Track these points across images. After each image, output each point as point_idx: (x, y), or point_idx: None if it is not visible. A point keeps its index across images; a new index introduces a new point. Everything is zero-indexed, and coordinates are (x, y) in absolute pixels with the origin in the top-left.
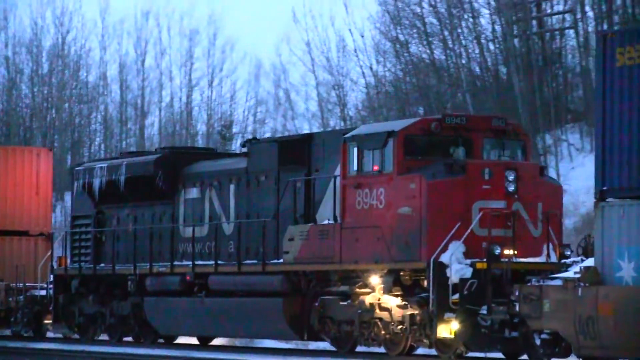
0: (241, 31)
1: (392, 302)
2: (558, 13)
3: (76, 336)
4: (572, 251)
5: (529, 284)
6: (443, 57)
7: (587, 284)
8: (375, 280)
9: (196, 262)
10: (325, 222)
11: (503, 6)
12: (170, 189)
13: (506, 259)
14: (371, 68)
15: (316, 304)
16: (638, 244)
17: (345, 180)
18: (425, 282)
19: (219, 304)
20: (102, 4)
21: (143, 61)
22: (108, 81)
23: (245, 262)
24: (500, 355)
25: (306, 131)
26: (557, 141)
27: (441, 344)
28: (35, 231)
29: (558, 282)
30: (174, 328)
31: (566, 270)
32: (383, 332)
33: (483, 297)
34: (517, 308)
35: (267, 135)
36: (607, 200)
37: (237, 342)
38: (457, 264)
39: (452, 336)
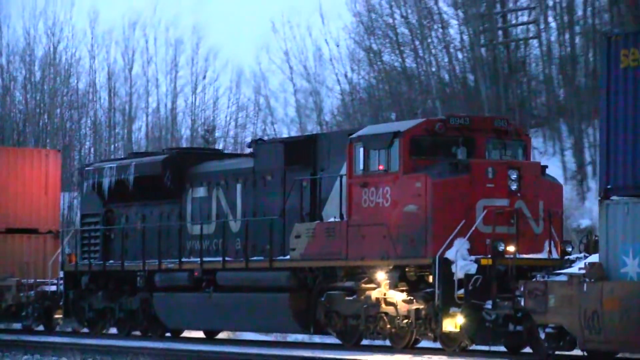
0: (223, 41)
1: (398, 297)
2: (522, 24)
3: (85, 330)
4: (573, 248)
5: (534, 280)
6: (414, 66)
7: (592, 280)
8: (381, 276)
9: (204, 259)
10: (331, 219)
11: (471, 17)
12: (178, 188)
13: (511, 256)
14: (346, 76)
15: (322, 299)
16: None
17: (351, 179)
18: (430, 278)
19: (227, 299)
20: (92, 15)
21: (130, 69)
22: (97, 88)
23: (253, 258)
24: (502, 348)
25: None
26: None
27: (446, 337)
28: (44, 229)
29: (563, 278)
30: (182, 322)
31: (570, 267)
32: (389, 326)
33: (487, 292)
34: (522, 303)
35: (248, 139)
36: (612, 198)
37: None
38: (462, 260)
39: (458, 330)
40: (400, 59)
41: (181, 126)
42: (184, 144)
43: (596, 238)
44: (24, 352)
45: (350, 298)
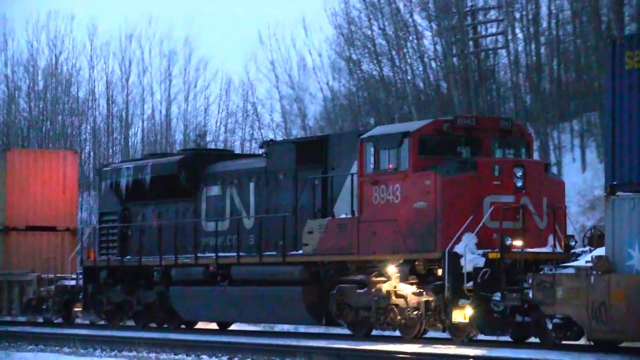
0: (213, 52)
1: (408, 289)
2: (492, 35)
3: (102, 322)
4: (576, 242)
5: (542, 272)
6: (391, 74)
7: (599, 272)
8: (391, 269)
9: (219, 254)
10: (343, 216)
11: (443, 29)
12: (193, 187)
13: (519, 249)
14: (328, 84)
15: (334, 292)
16: None
17: (362, 178)
18: (439, 271)
19: (241, 292)
20: (91, 28)
21: (127, 78)
22: (96, 96)
23: (266, 253)
24: (508, 338)
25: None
26: None
27: (454, 328)
28: (62, 227)
29: (571, 271)
30: (197, 314)
31: (577, 260)
32: (399, 317)
33: (494, 284)
34: (530, 295)
35: (237, 143)
36: (617, 194)
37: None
38: (470, 254)
39: (467, 321)
40: (378, 68)
41: (175, 131)
42: (178, 148)
43: (599, 232)
44: (28, 343)
45: (361, 291)
